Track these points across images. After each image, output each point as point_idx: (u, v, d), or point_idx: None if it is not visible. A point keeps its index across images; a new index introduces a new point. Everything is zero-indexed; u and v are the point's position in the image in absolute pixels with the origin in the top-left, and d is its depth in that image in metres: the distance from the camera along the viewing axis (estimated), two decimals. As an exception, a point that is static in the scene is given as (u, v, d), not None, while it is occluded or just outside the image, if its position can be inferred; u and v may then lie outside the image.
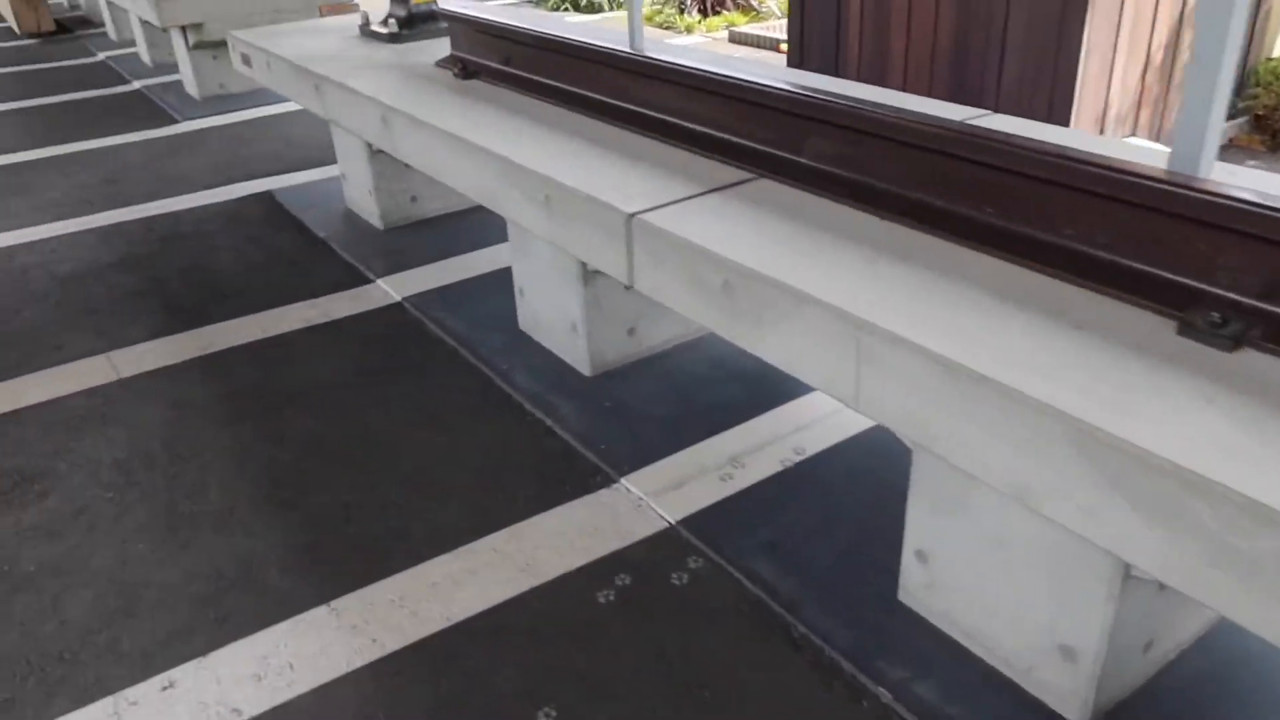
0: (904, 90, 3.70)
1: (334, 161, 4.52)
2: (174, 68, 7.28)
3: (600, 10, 9.40)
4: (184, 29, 6.09)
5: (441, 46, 3.66)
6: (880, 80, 4.81)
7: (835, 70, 5.04)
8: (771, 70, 3.10)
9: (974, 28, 4.48)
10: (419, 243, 3.87)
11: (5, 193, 4.85)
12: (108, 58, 8.25)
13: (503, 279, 3.44)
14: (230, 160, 5.20)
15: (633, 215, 2.05)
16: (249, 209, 4.47)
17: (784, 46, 7.32)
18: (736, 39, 7.78)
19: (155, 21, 5.89)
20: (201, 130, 5.88)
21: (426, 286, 3.50)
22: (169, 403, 2.88)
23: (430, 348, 3.10)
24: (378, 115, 3.14)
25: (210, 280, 3.71)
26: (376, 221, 4.00)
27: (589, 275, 2.60)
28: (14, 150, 5.59)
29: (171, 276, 3.76)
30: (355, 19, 4.42)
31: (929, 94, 4.69)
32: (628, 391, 2.74)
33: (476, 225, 4.00)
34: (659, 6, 9.04)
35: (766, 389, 2.71)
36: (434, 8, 3.95)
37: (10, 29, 9.56)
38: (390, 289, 3.51)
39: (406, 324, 3.27)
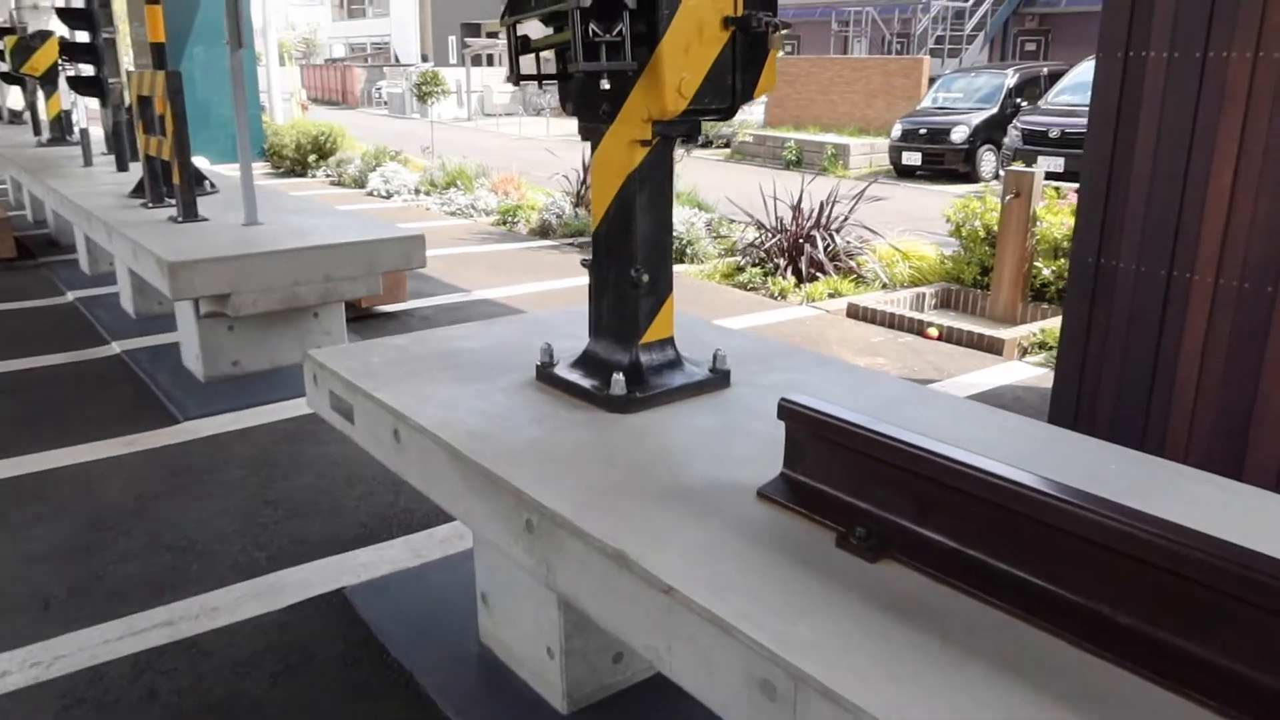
0: None
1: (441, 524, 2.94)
2: (166, 322, 5.73)
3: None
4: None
5: (669, 417, 2.21)
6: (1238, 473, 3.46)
7: (1141, 444, 3.68)
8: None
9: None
10: None
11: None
12: (78, 299, 6.69)
13: None
14: (266, 511, 3.56)
15: None
16: (320, 627, 2.81)
17: (932, 330, 6.07)
18: (858, 314, 6.53)
19: (165, 292, 4.37)
20: (215, 439, 4.26)
21: None
22: None
23: None
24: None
25: None
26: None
27: None
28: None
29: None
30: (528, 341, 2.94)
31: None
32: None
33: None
34: (739, 263, 7.87)
35: None
36: (690, 368, 2.52)
37: (-42, 251, 7.98)
38: None
39: None
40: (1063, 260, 6.43)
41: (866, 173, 15.99)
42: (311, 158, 14.76)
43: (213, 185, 6.52)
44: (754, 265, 7.67)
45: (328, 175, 14.42)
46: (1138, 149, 3.59)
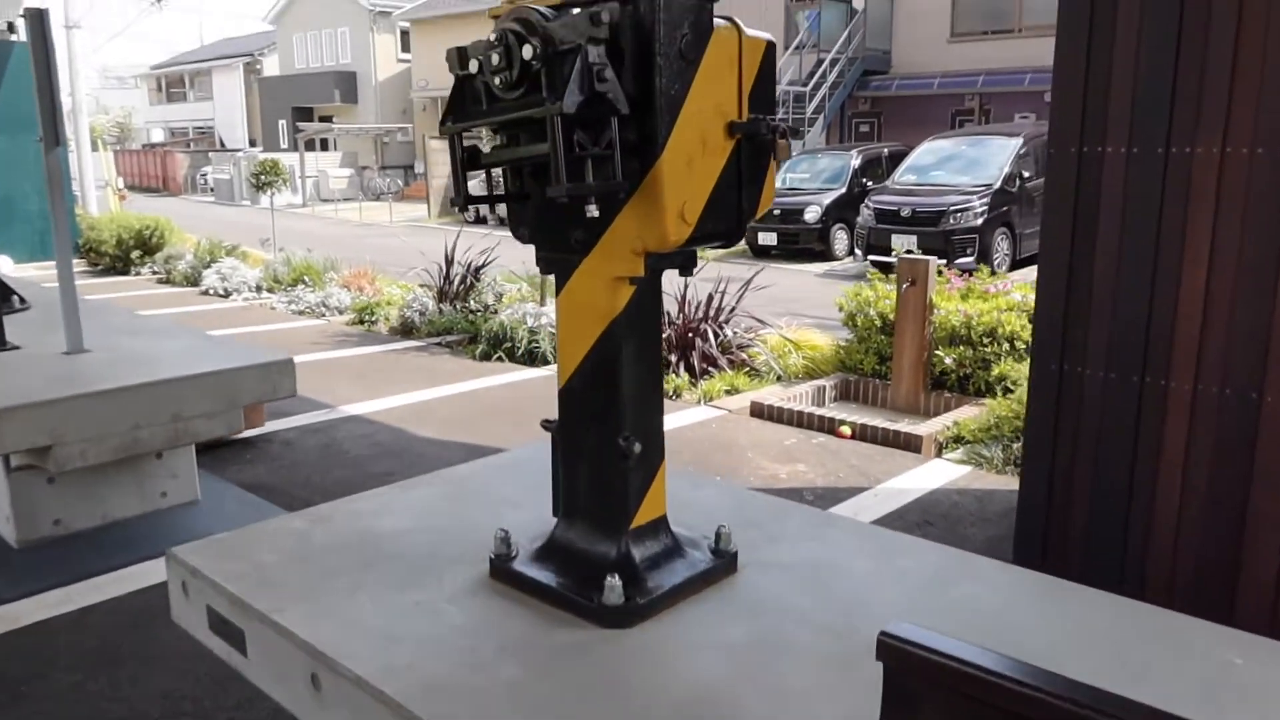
0: None
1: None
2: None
3: (545, 362, 7.69)
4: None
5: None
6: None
7: (1120, 570, 3.39)
8: None
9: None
10: None
11: None
12: None
13: None
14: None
15: None
16: None
17: (845, 429, 5.76)
18: (763, 413, 6.17)
19: (-35, 448, 3.50)
20: (39, 629, 3.37)
21: None
22: None
23: None
24: None
25: None
26: None
27: None
28: None
29: None
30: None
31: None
32: None
33: None
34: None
35: None
36: (690, 553, 1.98)
37: None
38: None
39: None
40: (962, 348, 6.31)
41: (724, 254, 16.02)
42: (135, 254, 13.48)
43: (22, 300, 5.55)
44: (643, 362, 7.23)
45: (154, 272, 13.19)
46: (1099, 248, 3.37)
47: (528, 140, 1.79)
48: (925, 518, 4.41)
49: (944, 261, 7.44)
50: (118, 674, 3.12)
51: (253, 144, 43.29)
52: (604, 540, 1.94)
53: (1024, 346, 6.22)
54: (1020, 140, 14.17)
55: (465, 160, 1.83)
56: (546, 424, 2.05)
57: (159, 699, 2.98)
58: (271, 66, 44.73)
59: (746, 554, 2.09)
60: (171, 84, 55.89)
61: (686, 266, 1.92)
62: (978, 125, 19.85)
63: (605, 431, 1.91)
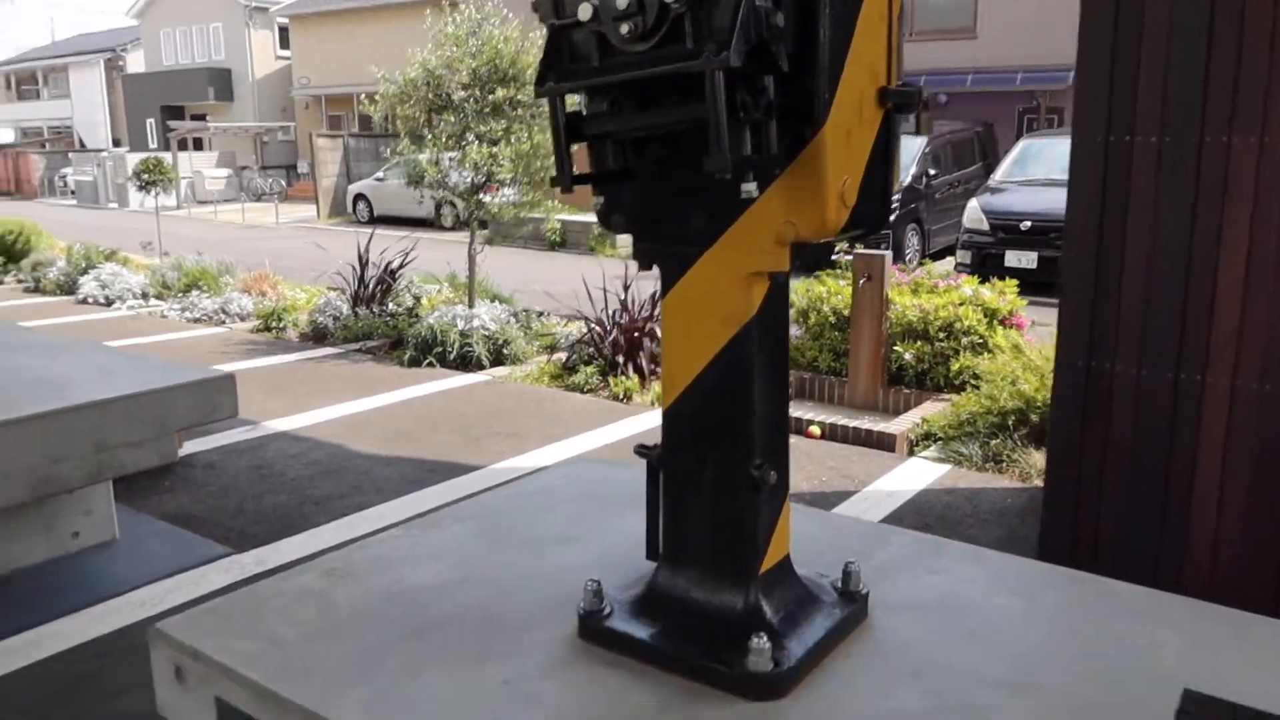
0: None
1: None
2: None
3: (479, 366, 7.23)
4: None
5: None
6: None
7: (1154, 575, 3.23)
8: None
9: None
10: None
11: None
12: None
13: None
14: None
15: None
16: None
17: (814, 429, 5.54)
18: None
19: None
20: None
21: None
22: None
23: None
24: None
25: None
26: None
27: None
28: None
29: None
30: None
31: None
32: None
33: None
34: (564, 362, 7.04)
35: None
36: (821, 599, 1.65)
37: None
38: None
39: None
40: (920, 343, 6.18)
41: (634, 252, 15.72)
42: (-3, 261, 12.29)
43: (-115, 313, 4.81)
44: (585, 364, 6.87)
45: (20, 281, 12.04)
46: (1129, 240, 3.19)
47: (646, 104, 1.43)
48: (924, 521, 4.21)
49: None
50: (50, 761, 2.59)
51: (117, 144, 40.77)
52: (727, 589, 1.60)
53: (981, 341, 6.14)
54: (925, 140, 14.35)
55: (566, 127, 1.46)
56: (643, 450, 1.69)
57: (108, 790, 2.48)
58: (136, 63, 42.19)
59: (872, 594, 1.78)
60: (23, 81, 52.16)
61: (823, 261, 1.59)
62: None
63: (731, 459, 1.57)
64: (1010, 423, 5.14)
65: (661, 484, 1.67)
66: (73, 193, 32.05)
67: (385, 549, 2.05)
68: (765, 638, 1.48)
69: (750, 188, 1.35)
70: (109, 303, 10.28)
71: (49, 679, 2.99)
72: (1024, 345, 5.83)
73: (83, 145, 42.62)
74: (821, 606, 1.67)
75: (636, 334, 6.80)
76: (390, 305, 8.56)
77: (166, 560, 3.83)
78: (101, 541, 3.95)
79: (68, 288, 11.05)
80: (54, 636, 3.25)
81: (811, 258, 1.58)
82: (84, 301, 10.46)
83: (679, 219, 1.50)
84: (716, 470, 1.59)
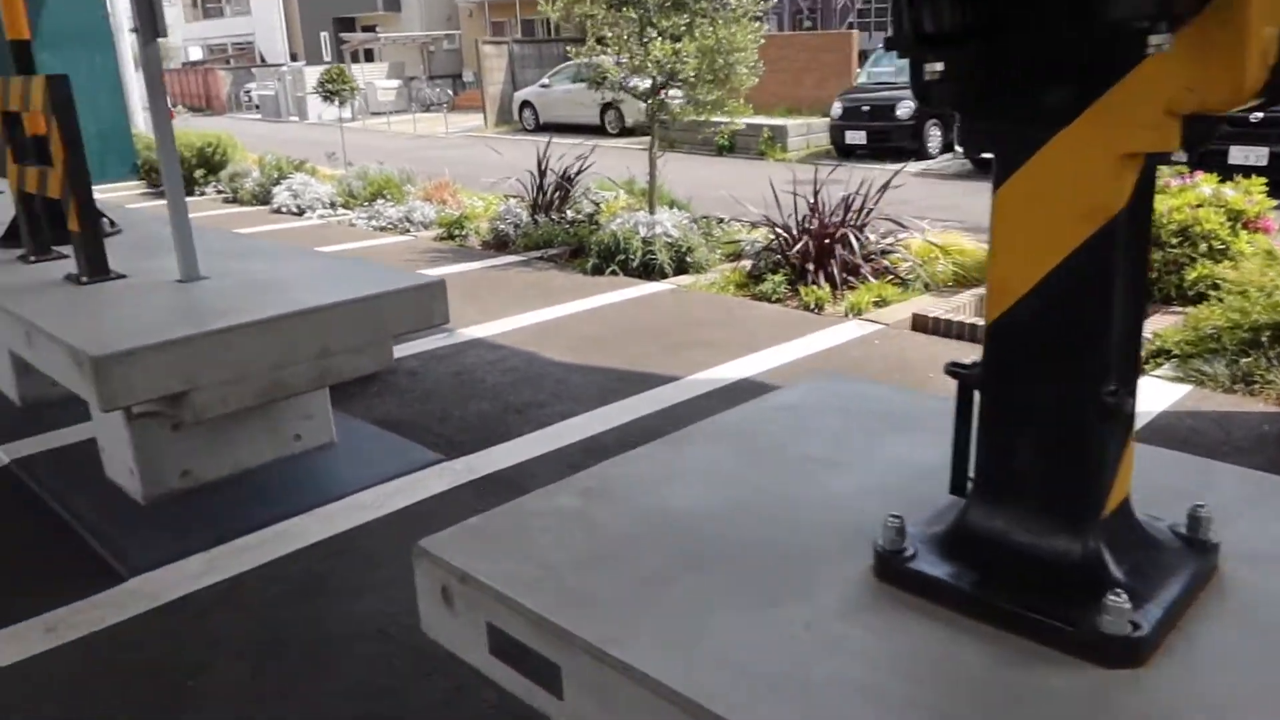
0: None
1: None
2: (71, 410, 4.29)
3: (662, 275, 7.07)
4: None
5: None
6: None
7: None
8: None
9: None
10: None
11: None
12: (-58, 383, 5.11)
13: None
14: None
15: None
16: None
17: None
18: (927, 326, 5.54)
19: (90, 400, 3.02)
20: (185, 605, 2.93)
21: None
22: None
23: None
24: None
25: None
26: None
27: None
28: None
29: None
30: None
31: None
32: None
33: None
34: (750, 270, 6.79)
35: None
36: (1167, 546, 1.41)
37: None
38: None
39: None
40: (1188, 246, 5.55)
41: (806, 154, 15.13)
42: (198, 172, 12.96)
43: (112, 223, 5.04)
44: (771, 272, 6.59)
45: (219, 192, 12.69)
46: None
47: None
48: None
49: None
50: (289, 662, 2.66)
51: (294, 58, 42.33)
52: (1062, 533, 1.37)
53: (1222, 247, 5.49)
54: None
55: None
56: (955, 369, 1.46)
57: (345, 694, 2.52)
58: (309, -24, 43.37)
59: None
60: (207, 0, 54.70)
61: (1208, 138, 1.29)
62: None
63: (1074, 379, 1.32)
64: (1264, 339, 4.58)
65: (980, 408, 1.44)
66: (256, 107, 33.61)
67: (641, 467, 1.92)
68: (1124, 595, 1.25)
69: (1161, 39, 1.07)
70: (300, 212, 10.68)
71: (284, 578, 3.08)
72: (1278, 251, 5.17)
73: (263, 60, 44.53)
74: (1169, 557, 1.42)
75: (828, 240, 6.45)
76: (569, 212, 8.48)
77: (383, 464, 3.91)
78: (321, 444, 4.06)
79: (262, 198, 11.55)
80: (285, 535, 3.35)
81: (1208, 133, 1.20)
82: (278, 211, 10.91)
83: (1035, 88, 1.24)
84: (1058, 394, 1.35)
